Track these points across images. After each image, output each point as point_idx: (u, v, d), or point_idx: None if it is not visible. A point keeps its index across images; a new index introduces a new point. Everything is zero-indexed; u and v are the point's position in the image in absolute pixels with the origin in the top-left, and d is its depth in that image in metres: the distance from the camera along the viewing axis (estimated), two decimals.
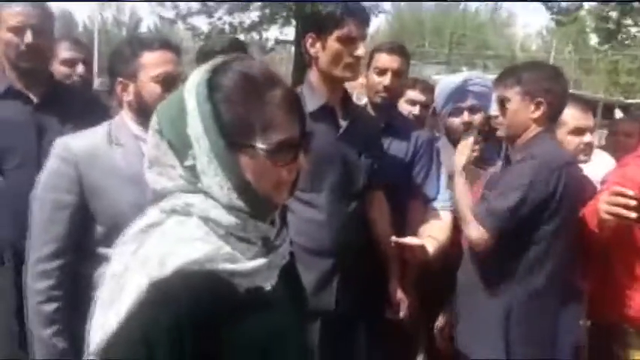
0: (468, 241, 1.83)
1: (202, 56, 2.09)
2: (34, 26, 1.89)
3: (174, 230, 0.83)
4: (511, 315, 1.79)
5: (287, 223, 1.00)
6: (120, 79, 1.57)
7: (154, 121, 0.90)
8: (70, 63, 2.49)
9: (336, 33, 1.81)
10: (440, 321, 2.19)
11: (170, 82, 1.50)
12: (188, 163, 0.85)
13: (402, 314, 2.11)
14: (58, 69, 2.36)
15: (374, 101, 2.33)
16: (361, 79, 2.48)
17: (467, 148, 2.04)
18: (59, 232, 1.51)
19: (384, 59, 2.29)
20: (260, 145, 0.84)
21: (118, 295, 0.80)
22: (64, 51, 2.44)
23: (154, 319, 0.77)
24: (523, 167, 1.77)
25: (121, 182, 1.48)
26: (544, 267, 1.74)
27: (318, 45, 1.85)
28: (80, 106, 2.02)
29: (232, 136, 0.84)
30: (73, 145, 1.52)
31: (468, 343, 1.90)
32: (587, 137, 2.14)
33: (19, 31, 1.89)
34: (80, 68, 2.50)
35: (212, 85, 0.85)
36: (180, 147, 0.85)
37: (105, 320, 0.80)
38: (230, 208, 0.85)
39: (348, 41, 1.82)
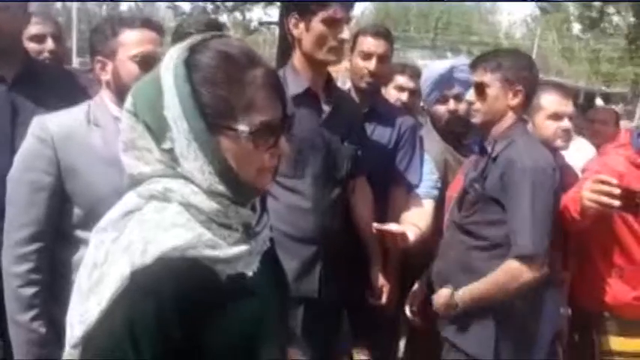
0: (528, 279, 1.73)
1: (178, 37, 2.02)
2: None
3: (155, 217, 0.81)
4: (501, 303, 1.79)
5: (267, 209, 0.97)
6: (99, 57, 1.52)
7: (128, 102, 0.86)
8: (39, 38, 2.39)
9: (321, 14, 1.76)
10: (414, 289, 2.15)
11: (149, 62, 1.45)
12: (166, 146, 0.82)
13: (383, 300, 2.11)
14: (28, 46, 2.28)
15: (359, 86, 2.28)
16: (345, 63, 2.44)
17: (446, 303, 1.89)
18: (37, 215, 1.46)
19: (370, 43, 2.25)
20: (241, 127, 0.81)
21: (98, 284, 0.77)
22: (31, 26, 2.35)
23: (136, 307, 0.75)
24: (526, 182, 1.72)
25: (98, 164, 1.43)
26: None
27: (302, 26, 1.80)
28: (56, 84, 1.95)
29: (212, 118, 0.81)
30: (50, 124, 1.47)
31: (454, 331, 1.90)
32: (564, 123, 2.15)
33: None
34: (50, 43, 2.39)
35: (190, 64, 0.82)
36: (158, 129, 0.82)
37: (85, 310, 0.77)
38: (211, 194, 0.83)
39: (333, 23, 1.77)
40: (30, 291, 1.47)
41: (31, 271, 1.47)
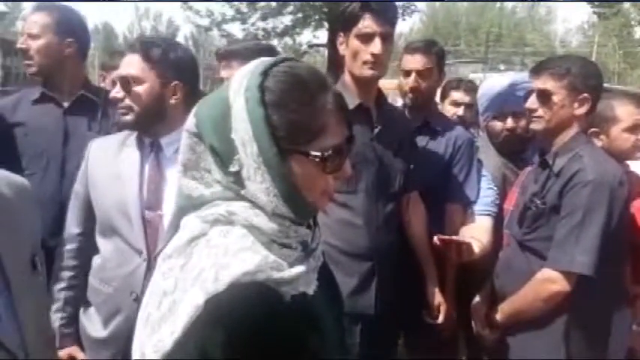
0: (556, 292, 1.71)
1: (222, 57, 2.03)
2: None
3: (222, 242, 0.80)
4: (570, 323, 1.72)
5: (318, 223, 0.98)
6: None
7: (190, 122, 0.86)
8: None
9: (355, 30, 1.77)
10: (477, 300, 2.08)
11: (123, 84, 1.54)
12: (233, 168, 0.82)
13: (440, 319, 2.06)
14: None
15: (406, 103, 2.30)
16: (397, 81, 2.45)
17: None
18: (72, 219, 1.68)
19: (407, 60, 2.26)
20: (313, 151, 0.82)
21: (170, 313, 0.77)
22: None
23: (210, 336, 0.74)
24: (584, 196, 1.65)
25: (110, 178, 1.58)
26: (599, 272, 1.66)
27: (345, 44, 1.83)
28: (111, 111, 2.09)
29: (284, 142, 0.80)
30: (94, 144, 1.68)
31: (520, 349, 1.83)
32: None
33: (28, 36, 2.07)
34: None
35: (263, 88, 0.81)
36: (224, 152, 0.82)
37: (158, 339, 0.77)
38: (272, 215, 0.83)
39: (365, 37, 1.76)
40: (56, 286, 1.66)
41: (59, 268, 1.67)
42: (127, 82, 1.54)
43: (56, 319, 1.63)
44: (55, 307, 1.64)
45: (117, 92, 1.55)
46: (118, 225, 1.54)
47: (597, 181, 1.66)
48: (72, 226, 1.68)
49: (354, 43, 1.78)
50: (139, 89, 1.54)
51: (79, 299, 1.65)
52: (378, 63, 1.78)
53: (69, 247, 1.67)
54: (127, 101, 1.55)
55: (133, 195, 1.53)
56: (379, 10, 1.76)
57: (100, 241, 1.60)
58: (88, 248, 1.65)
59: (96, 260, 1.62)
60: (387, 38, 1.78)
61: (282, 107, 0.81)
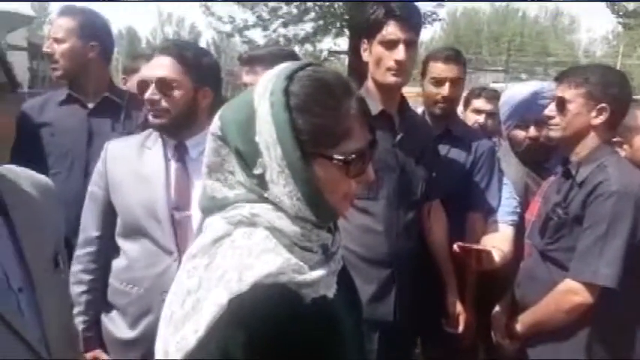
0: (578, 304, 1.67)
1: (245, 62, 2.04)
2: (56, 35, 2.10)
3: (245, 243, 0.81)
4: (592, 335, 1.69)
5: (338, 227, 0.97)
6: None
7: (215, 125, 0.87)
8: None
9: (378, 36, 1.77)
10: (497, 310, 2.05)
11: (160, 87, 1.52)
12: (257, 171, 0.83)
13: (460, 328, 2.03)
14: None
15: (433, 112, 2.26)
16: (416, 89, 2.44)
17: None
18: (90, 222, 1.67)
19: (441, 69, 2.22)
20: (337, 155, 0.82)
21: (194, 312, 0.78)
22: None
23: (232, 335, 0.75)
24: (608, 207, 1.62)
25: (135, 180, 1.57)
26: (623, 284, 1.63)
27: (368, 50, 1.83)
28: (136, 112, 2.11)
29: (308, 146, 0.81)
30: (111, 146, 1.66)
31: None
32: None
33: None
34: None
35: (288, 92, 0.82)
36: (249, 155, 0.83)
37: (181, 337, 0.78)
38: (295, 218, 0.83)
39: (389, 44, 1.75)
40: (77, 289, 1.65)
41: (80, 271, 1.66)
42: (164, 85, 1.51)
43: (79, 322, 1.63)
44: (76, 310, 1.64)
45: (153, 94, 1.51)
46: (146, 226, 1.53)
47: (622, 191, 1.62)
48: (90, 229, 1.66)
49: (378, 49, 1.78)
50: (177, 93, 1.52)
51: (99, 302, 1.65)
52: (402, 70, 1.77)
53: (88, 250, 1.66)
54: (163, 104, 1.52)
55: (161, 196, 1.53)
56: (404, 17, 1.75)
57: (124, 243, 1.59)
58: (107, 250, 1.64)
59: (119, 262, 1.61)
60: (411, 45, 1.77)
61: (307, 111, 0.81)
